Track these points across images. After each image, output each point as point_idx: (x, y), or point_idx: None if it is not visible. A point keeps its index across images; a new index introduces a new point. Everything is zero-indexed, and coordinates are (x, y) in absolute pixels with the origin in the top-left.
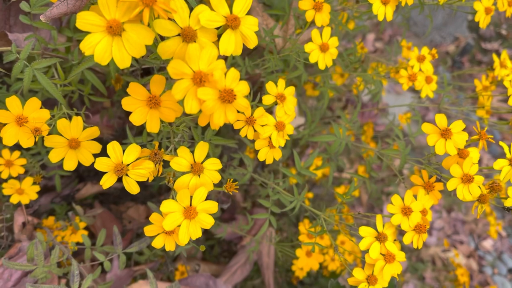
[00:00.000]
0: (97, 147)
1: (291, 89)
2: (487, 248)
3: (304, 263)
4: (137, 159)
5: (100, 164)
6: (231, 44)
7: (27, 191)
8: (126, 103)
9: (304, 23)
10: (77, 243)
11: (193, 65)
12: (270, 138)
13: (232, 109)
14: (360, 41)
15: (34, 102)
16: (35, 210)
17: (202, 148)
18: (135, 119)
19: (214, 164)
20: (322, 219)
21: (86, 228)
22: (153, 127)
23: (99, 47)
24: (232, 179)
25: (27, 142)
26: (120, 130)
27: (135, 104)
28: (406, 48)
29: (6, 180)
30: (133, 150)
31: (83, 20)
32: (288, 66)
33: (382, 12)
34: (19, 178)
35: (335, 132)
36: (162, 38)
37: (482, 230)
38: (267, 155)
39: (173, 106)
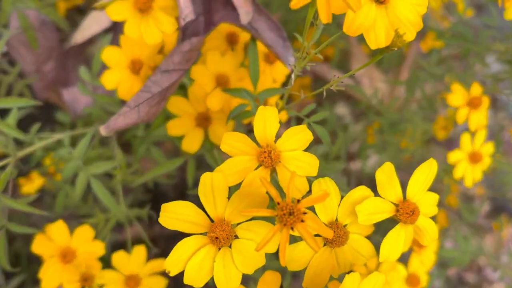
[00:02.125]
0: (161, 284)
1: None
2: None
3: None
4: None
5: None
6: (398, 247)
7: None
8: None
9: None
10: None
11: None
12: None
13: None
14: None
15: (86, 232)
16: None
17: None
18: None
19: None
20: None
21: None
22: None
23: (193, 263)
24: None
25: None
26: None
27: None
28: None
29: None
30: None
31: (170, 214)
32: (393, 127)
33: None
34: None
35: (458, 241)
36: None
37: None
38: None
39: None
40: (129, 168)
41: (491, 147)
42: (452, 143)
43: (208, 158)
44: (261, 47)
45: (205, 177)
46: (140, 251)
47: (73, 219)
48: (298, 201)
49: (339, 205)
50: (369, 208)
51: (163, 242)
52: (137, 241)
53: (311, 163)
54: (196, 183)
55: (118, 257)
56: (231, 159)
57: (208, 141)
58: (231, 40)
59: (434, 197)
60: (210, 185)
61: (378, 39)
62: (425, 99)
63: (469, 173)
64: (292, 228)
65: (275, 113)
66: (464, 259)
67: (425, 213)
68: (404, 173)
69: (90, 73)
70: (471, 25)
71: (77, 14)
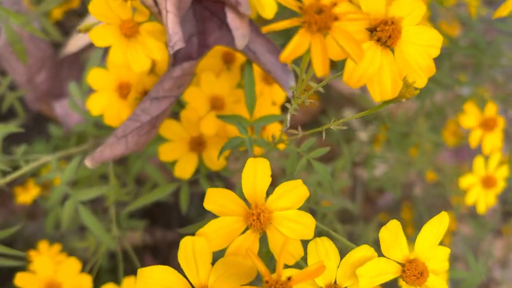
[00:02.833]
0: None
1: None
2: None
3: None
4: None
5: None
6: None
7: None
8: None
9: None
10: None
11: None
12: None
13: None
14: None
15: (73, 265)
16: None
17: None
18: None
19: None
20: None
21: None
22: None
23: None
24: None
25: None
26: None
27: None
28: None
29: None
30: None
31: (148, 279)
32: (401, 140)
33: None
34: None
35: (469, 260)
36: None
37: None
38: None
39: None
40: (125, 187)
41: (505, 170)
42: (461, 150)
43: (203, 184)
44: (259, 68)
45: (186, 242)
46: (130, 283)
47: (69, 234)
48: (289, 278)
49: (338, 266)
50: (372, 271)
51: (165, 248)
52: (136, 248)
53: (307, 224)
54: (192, 201)
55: None
56: (216, 220)
57: (203, 165)
58: (227, 59)
59: (445, 251)
60: (191, 250)
61: (383, 90)
62: (434, 108)
63: (482, 198)
64: None
65: (267, 165)
66: (475, 280)
67: (434, 270)
68: (412, 174)
69: (80, 89)
70: (483, 20)
71: (77, 17)
